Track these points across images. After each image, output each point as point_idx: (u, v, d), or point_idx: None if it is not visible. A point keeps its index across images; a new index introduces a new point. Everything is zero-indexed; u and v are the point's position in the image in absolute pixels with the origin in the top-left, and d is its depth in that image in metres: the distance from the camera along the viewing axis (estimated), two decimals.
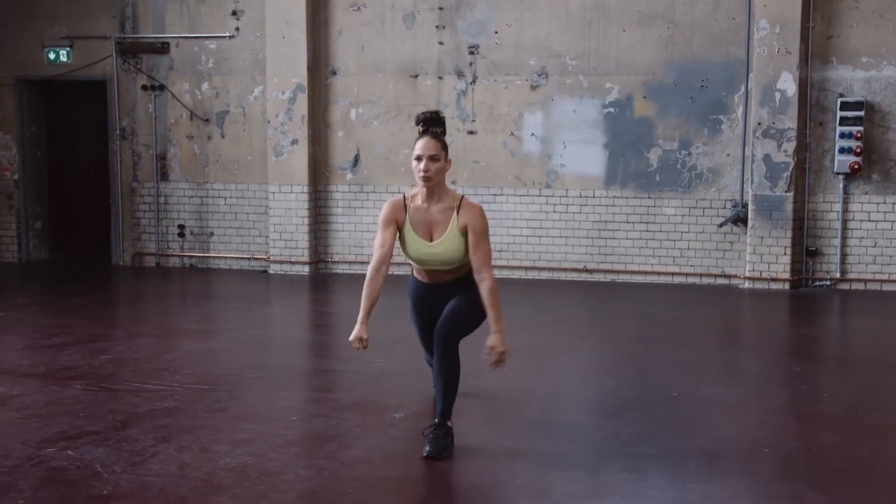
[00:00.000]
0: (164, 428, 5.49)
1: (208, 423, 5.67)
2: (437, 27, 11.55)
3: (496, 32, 11.41)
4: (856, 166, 10.53)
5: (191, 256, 12.55)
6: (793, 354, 7.89)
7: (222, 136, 12.29)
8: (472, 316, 5.21)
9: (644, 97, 11.11)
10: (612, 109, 11.21)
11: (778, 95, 10.60)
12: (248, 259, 12.33)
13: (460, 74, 11.55)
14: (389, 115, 11.75)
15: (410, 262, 5.35)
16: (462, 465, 4.95)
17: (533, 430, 5.55)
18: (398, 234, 5.21)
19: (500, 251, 11.45)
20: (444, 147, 5.11)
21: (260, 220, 12.25)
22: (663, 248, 11.23)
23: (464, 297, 5.18)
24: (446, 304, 5.24)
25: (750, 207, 10.80)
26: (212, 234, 12.44)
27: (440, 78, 11.60)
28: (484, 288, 5.01)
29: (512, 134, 11.39)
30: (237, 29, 12.08)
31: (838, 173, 10.67)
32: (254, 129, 12.16)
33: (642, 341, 8.15)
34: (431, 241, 5.15)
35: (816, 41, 10.66)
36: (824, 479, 4.72)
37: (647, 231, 11.25)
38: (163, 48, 12.33)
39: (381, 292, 5.11)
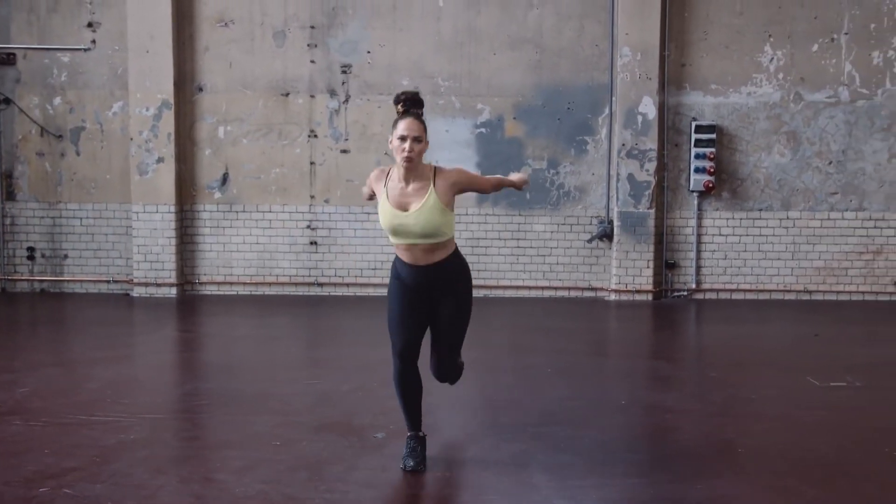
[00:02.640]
0: (148, 460, 5.25)
1: (190, 452, 5.48)
2: (308, 45, 11.51)
3: (369, 52, 11.50)
4: (710, 185, 11.38)
5: (42, 280, 11.83)
6: (698, 361, 8.47)
7: (77, 154, 11.68)
8: (466, 321, 5.26)
9: (514, 118, 11.53)
10: (483, 130, 11.56)
11: (640, 118, 11.29)
12: (108, 282, 11.76)
13: (333, 93, 11.56)
14: (260, 133, 11.59)
15: (391, 238, 5.17)
16: (480, 478, 5.04)
17: (520, 441, 5.67)
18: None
19: (375, 269, 11.58)
20: (425, 128, 5.06)
21: (120, 242, 11.73)
22: (534, 263, 11.68)
23: (454, 301, 5.17)
24: (432, 300, 5.13)
25: (615, 224, 11.43)
26: (66, 256, 11.78)
27: (312, 96, 11.56)
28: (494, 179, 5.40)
29: (385, 153, 11.50)
30: (93, 41, 11.54)
31: (693, 191, 11.49)
32: (113, 147, 11.64)
33: (545, 353, 8.37)
34: (406, 212, 5.05)
35: (672, 68, 11.44)
36: (804, 474, 5.14)
37: (518, 247, 11.67)
38: (8, 59, 11.59)
39: None
